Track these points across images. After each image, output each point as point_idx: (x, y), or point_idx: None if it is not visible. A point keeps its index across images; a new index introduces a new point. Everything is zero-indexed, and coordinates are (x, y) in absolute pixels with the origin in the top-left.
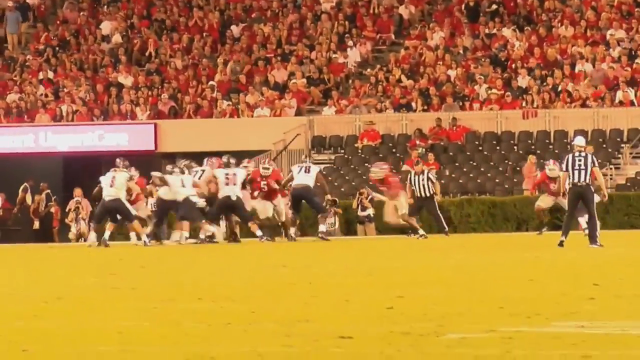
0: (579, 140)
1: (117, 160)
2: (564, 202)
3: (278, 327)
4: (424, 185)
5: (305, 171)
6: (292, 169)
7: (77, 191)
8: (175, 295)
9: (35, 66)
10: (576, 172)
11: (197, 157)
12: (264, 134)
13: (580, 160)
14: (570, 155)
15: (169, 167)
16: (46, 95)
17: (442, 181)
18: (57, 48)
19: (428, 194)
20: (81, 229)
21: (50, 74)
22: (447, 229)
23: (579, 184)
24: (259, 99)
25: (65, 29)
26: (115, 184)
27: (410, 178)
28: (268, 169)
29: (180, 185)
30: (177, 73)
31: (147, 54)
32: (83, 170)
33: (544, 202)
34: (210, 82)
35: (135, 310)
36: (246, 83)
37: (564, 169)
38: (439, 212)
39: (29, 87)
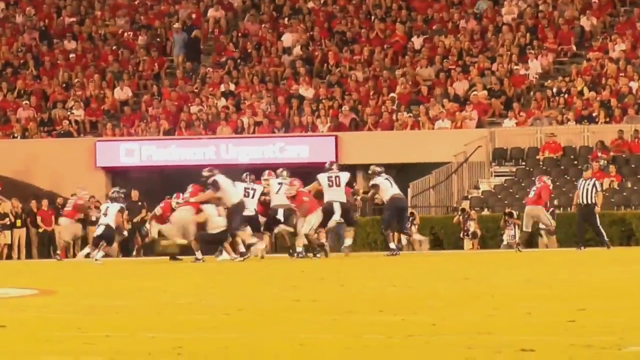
0: None
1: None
2: None
3: (459, 339)
4: (587, 191)
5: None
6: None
7: None
8: (356, 307)
9: (216, 79)
10: None
11: None
12: (445, 146)
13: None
14: None
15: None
16: (227, 108)
17: (624, 193)
18: (238, 60)
19: (589, 202)
20: None
21: (232, 86)
22: (607, 241)
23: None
24: (439, 111)
25: (247, 41)
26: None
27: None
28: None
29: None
30: (357, 85)
31: (327, 66)
32: None
33: None
34: (391, 94)
35: (315, 322)
36: (427, 95)
37: None
38: (598, 224)
39: (210, 99)
